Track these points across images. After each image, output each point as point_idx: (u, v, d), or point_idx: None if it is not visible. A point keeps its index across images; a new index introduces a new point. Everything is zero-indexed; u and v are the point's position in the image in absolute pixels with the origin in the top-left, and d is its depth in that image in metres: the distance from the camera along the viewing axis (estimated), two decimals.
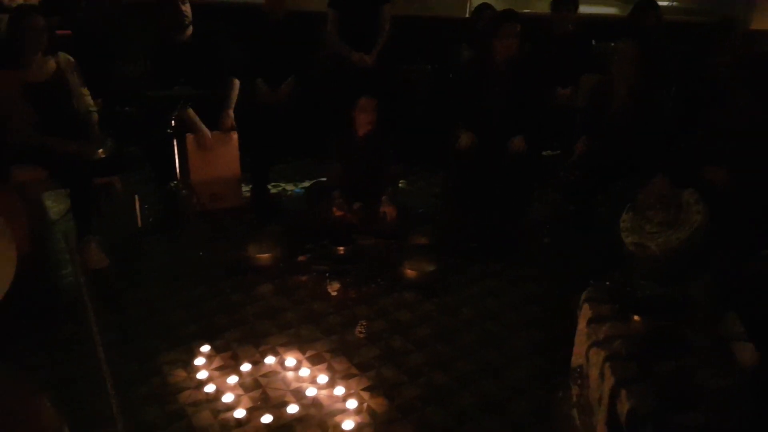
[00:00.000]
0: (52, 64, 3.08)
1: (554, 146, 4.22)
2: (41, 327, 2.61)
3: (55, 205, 3.45)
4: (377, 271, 3.07)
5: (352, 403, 2.21)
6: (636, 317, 1.88)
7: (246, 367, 2.39)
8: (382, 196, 3.34)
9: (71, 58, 3.15)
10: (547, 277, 3.09)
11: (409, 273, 3.02)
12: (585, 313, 2.09)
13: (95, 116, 3.19)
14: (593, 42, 4.22)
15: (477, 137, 3.35)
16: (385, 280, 3.01)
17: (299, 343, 2.55)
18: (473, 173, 3.41)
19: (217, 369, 2.40)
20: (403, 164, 3.92)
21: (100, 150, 3.01)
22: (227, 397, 2.23)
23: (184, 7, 3.38)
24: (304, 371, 2.38)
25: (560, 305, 2.71)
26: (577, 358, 2.14)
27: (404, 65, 4.52)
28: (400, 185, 4.00)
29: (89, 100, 3.19)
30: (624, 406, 1.66)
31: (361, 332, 2.63)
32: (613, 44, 3.35)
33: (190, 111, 3.35)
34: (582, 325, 2.10)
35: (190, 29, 3.44)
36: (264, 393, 2.28)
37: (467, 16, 4.56)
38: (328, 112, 3.92)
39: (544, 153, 4.14)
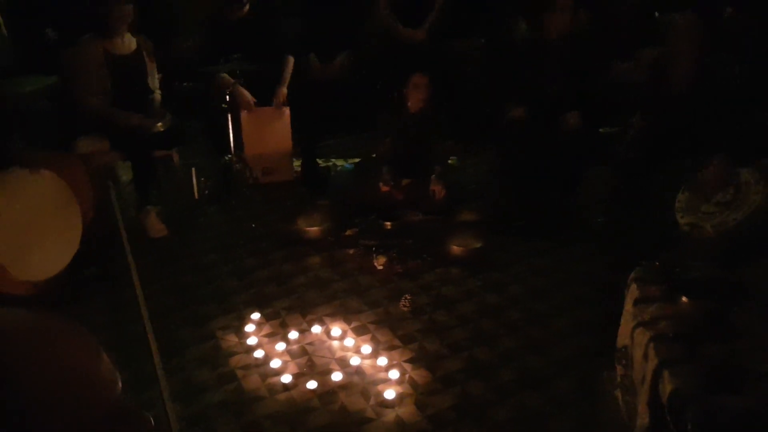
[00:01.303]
0: (134, 41, 3.22)
1: (612, 122, 4.08)
2: (104, 290, 2.77)
3: (119, 175, 3.63)
4: (423, 247, 3.09)
5: (394, 374, 2.26)
6: (684, 299, 1.83)
7: (293, 334, 2.48)
8: (432, 175, 3.35)
9: (149, 42, 3.29)
10: (598, 256, 3.03)
11: (456, 249, 3.03)
12: (632, 293, 2.05)
13: (158, 94, 3.32)
14: (656, 14, 4.02)
15: (529, 113, 3.29)
16: (431, 256, 3.03)
17: (345, 314, 2.62)
18: (525, 150, 3.35)
19: (267, 336, 2.50)
20: (455, 140, 3.91)
21: (160, 124, 3.13)
22: (275, 363, 2.32)
23: None
24: (349, 341, 2.45)
25: (609, 285, 2.65)
26: (622, 339, 2.10)
27: (458, 40, 4.45)
28: (450, 162, 3.99)
29: (157, 83, 3.32)
30: (666, 387, 1.63)
31: (405, 306, 2.66)
32: (674, 16, 3.19)
33: (238, 86, 3.42)
34: (629, 305, 2.06)
35: (248, 6, 3.50)
36: (310, 360, 2.36)
37: None
38: (379, 87, 3.93)
39: (601, 130, 4.02)
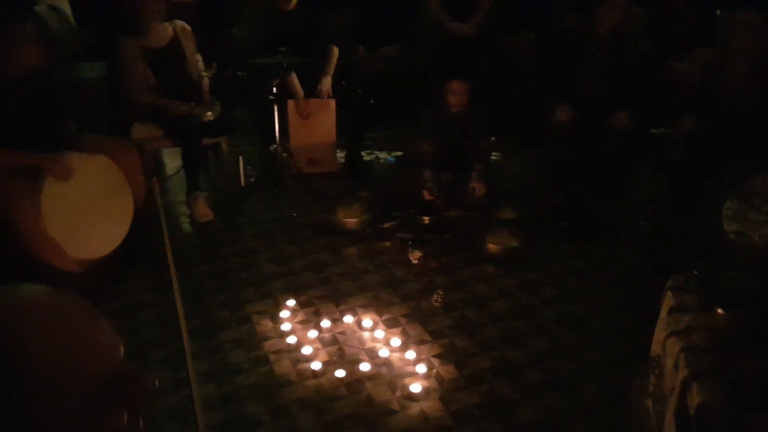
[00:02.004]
0: (169, 31, 3.32)
1: (663, 123, 3.95)
2: (151, 270, 2.90)
3: (170, 161, 3.78)
4: (460, 243, 3.09)
5: (421, 368, 2.29)
6: (720, 310, 1.78)
7: (326, 323, 2.54)
8: (473, 172, 3.33)
9: (187, 26, 3.39)
10: (638, 261, 2.96)
11: (492, 247, 3.01)
12: (668, 301, 1.99)
13: (206, 80, 3.43)
14: (717, 12, 3.86)
15: (576, 111, 3.23)
16: (467, 252, 3.03)
17: (377, 306, 2.66)
18: (570, 149, 3.30)
19: (300, 322, 2.57)
20: (500, 137, 3.88)
21: (209, 113, 3.24)
22: (306, 349, 2.39)
23: None
24: (379, 333, 2.48)
25: (647, 291, 2.59)
26: (655, 347, 2.05)
27: (508, 34, 4.40)
28: (494, 158, 3.96)
29: (201, 65, 3.43)
30: (694, 399, 1.59)
31: (437, 301, 2.68)
32: (735, 14, 3.06)
33: (294, 76, 3.50)
34: (663, 313, 2.01)
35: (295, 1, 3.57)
36: (340, 349, 2.41)
37: None
38: (426, 81, 3.93)
39: (652, 130, 3.90)
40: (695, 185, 3.03)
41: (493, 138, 3.86)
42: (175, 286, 1.71)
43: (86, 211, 2.69)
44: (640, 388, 2.15)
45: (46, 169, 2.50)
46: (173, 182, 3.69)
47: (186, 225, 3.36)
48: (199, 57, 3.43)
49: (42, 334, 0.61)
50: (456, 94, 3.28)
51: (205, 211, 3.35)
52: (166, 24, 3.29)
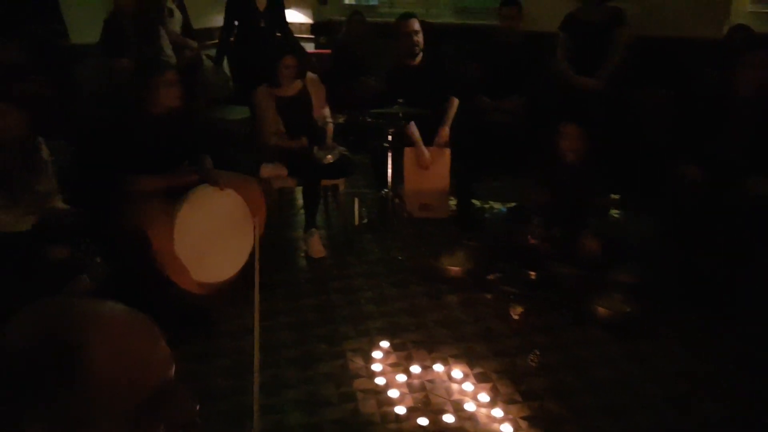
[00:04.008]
0: (299, 83, 3.65)
1: None
2: (264, 297, 3.09)
3: (293, 199, 4.06)
4: (566, 302, 2.97)
5: (507, 428, 2.21)
6: None
7: (416, 369, 2.55)
8: (586, 227, 3.21)
9: (316, 77, 3.69)
10: (764, 343, 2.64)
11: (601, 310, 2.86)
12: None
13: (330, 127, 3.69)
14: None
15: (708, 173, 3.01)
16: (573, 313, 2.90)
17: (469, 358, 2.62)
18: (698, 211, 3.07)
19: (391, 365, 2.60)
20: (622, 193, 3.70)
21: (329, 156, 3.46)
22: (393, 393, 2.41)
23: (416, 38, 3.72)
24: (468, 386, 2.44)
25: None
26: None
27: (639, 89, 4.23)
28: (613, 214, 3.78)
29: (327, 112, 3.70)
30: None
31: (533, 360, 2.58)
32: None
33: (412, 125, 3.65)
34: None
35: (421, 56, 3.75)
36: (426, 397, 2.41)
37: (722, 37, 4.07)
38: (547, 133, 3.88)
39: None
40: None
41: (613, 194, 3.70)
42: (257, 334, 1.81)
43: (212, 239, 2.97)
44: None
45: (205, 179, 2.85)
46: (293, 218, 3.95)
47: (301, 259, 3.57)
48: (326, 105, 3.69)
49: (107, 343, 0.71)
50: (569, 138, 3.20)
51: (318, 248, 3.54)
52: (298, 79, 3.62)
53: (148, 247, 2.70)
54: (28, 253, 2.46)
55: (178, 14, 4.32)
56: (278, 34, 4.61)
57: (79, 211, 2.75)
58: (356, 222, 3.86)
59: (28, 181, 2.62)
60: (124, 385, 0.71)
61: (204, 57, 4.74)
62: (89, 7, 4.16)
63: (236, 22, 4.58)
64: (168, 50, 3.98)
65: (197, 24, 4.72)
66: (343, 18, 5.54)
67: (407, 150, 3.75)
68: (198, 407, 0.79)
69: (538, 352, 2.61)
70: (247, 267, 3.20)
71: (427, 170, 3.79)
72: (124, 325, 0.75)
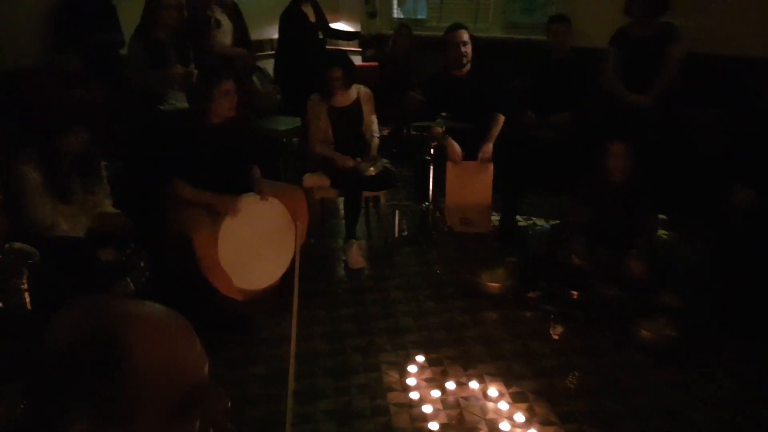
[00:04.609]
0: (353, 94, 3.69)
1: None
2: (303, 305, 3.12)
3: (334, 209, 4.10)
4: (608, 324, 2.88)
5: None
6: None
7: (451, 385, 2.52)
8: (632, 248, 3.12)
9: (369, 91, 3.73)
10: None
11: (645, 334, 2.77)
12: None
13: (376, 141, 3.71)
14: None
15: (762, 195, 2.89)
16: (615, 336, 2.82)
17: (506, 377, 2.58)
18: (750, 235, 2.94)
19: (426, 380, 2.58)
20: (672, 214, 3.59)
21: (372, 168, 3.48)
22: (426, 408, 2.39)
23: (465, 49, 3.71)
24: (504, 405, 2.40)
25: None
26: None
27: (692, 107, 4.10)
28: (662, 235, 3.67)
29: (375, 126, 3.73)
30: None
31: (572, 382, 2.52)
32: None
33: (451, 140, 3.64)
34: None
35: (468, 67, 3.73)
36: (461, 414, 2.38)
37: None
38: (594, 150, 3.80)
39: None
40: None
41: (662, 215, 3.59)
42: (293, 344, 1.83)
43: (254, 247, 3.03)
44: None
45: (218, 209, 2.88)
46: (334, 228, 3.98)
47: (339, 269, 3.59)
48: (374, 119, 3.72)
49: (147, 341, 0.75)
50: (616, 157, 3.12)
51: (357, 259, 3.56)
52: (351, 89, 3.65)
53: (193, 253, 2.77)
54: (82, 256, 2.56)
55: (227, 24, 4.39)
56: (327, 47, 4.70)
57: (127, 215, 2.85)
58: (396, 234, 3.86)
59: (85, 188, 2.73)
60: (163, 381, 0.74)
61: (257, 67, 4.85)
62: None
63: (289, 34, 4.69)
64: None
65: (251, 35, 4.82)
66: (391, 31, 5.59)
67: (449, 164, 3.74)
68: (230, 404, 0.82)
69: (577, 374, 2.54)
70: (288, 275, 3.25)
71: (467, 184, 3.76)
72: (163, 324, 0.78)
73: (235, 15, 4.48)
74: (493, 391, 2.48)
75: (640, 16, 3.86)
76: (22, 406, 1.38)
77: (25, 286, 1.94)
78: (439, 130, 3.60)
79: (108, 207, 2.83)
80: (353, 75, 3.62)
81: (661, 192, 3.31)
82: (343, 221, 3.68)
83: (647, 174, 3.19)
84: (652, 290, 3.04)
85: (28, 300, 1.96)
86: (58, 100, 3.50)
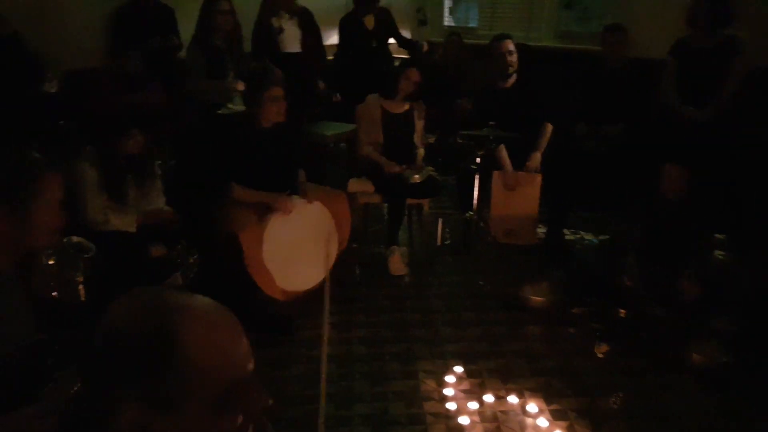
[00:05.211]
0: (408, 103, 3.71)
1: None
2: (344, 309, 3.15)
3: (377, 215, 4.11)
4: (657, 345, 2.78)
5: None
6: None
7: (489, 398, 2.48)
8: (686, 268, 3.00)
9: (423, 105, 3.73)
10: None
11: (696, 357, 2.66)
12: None
13: (422, 151, 3.71)
14: None
15: None
16: (663, 358, 2.72)
17: (547, 393, 2.52)
18: None
19: (464, 391, 2.55)
20: (732, 234, 3.44)
21: (417, 176, 3.47)
22: (463, 419, 2.36)
23: (510, 59, 3.67)
24: (543, 422, 2.35)
25: None
26: None
27: (755, 124, 3.93)
28: (719, 256, 3.51)
29: (422, 139, 3.72)
30: None
31: (616, 403, 2.44)
32: None
33: (502, 149, 3.59)
34: None
35: (514, 77, 3.69)
36: (498, 428, 2.33)
37: None
38: (648, 166, 3.69)
39: None
40: None
41: (719, 234, 3.44)
42: (324, 346, 1.83)
43: (297, 249, 3.07)
44: None
45: (275, 206, 2.94)
46: (377, 234, 3.99)
47: (380, 275, 3.59)
48: (422, 127, 3.72)
49: (199, 333, 0.77)
50: (670, 179, 3.02)
51: (399, 265, 3.55)
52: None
53: (240, 251, 2.82)
54: (133, 251, 2.65)
55: (294, 31, 4.43)
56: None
57: (179, 213, 2.93)
58: (438, 243, 3.84)
59: (139, 187, 2.83)
60: (211, 374, 0.76)
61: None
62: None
63: (343, 40, 4.74)
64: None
65: None
66: (440, 39, 5.58)
67: (496, 173, 3.69)
68: (271, 402, 0.83)
69: (621, 395, 2.46)
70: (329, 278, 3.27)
71: (513, 194, 3.70)
72: (215, 319, 0.80)
73: (306, 21, 4.49)
74: (532, 406, 2.42)
75: (703, 26, 3.72)
76: (74, 389, 1.43)
77: (81, 279, 2.02)
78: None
79: (161, 205, 2.92)
80: (422, 89, 3.62)
81: (719, 211, 3.18)
82: (386, 227, 3.68)
83: (704, 193, 3.08)
84: (706, 313, 2.92)
85: (82, 292, 2.04)
86: (117, 102, 3.65)
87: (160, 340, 0.74)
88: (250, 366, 0.81)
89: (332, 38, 5.07)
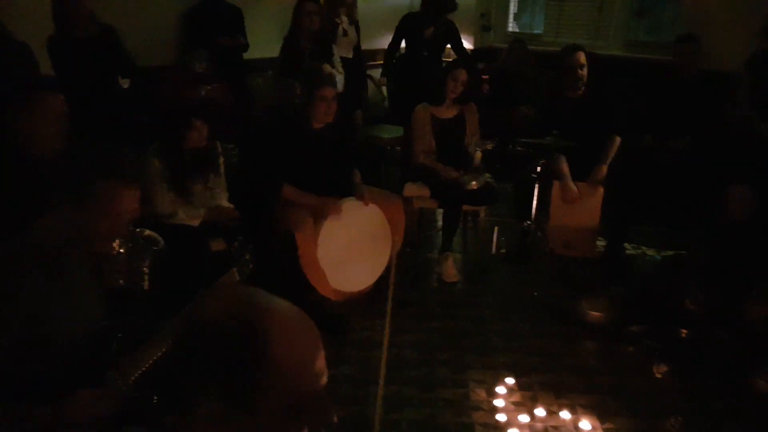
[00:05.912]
0: (458, 107, 3.68)
1: None
2: (392, 313, 3.15)
3: (433, 220, 4.10)
4: (720, 369, 2.65)
5: None
6: None
7: (540, 412, 2.43)
8: (753, 290, 2.85)
9: (474, 106, 3.70)
10: None
11: (762, 384, 2.53)
12: None
13: (479, 154, 3.66)
14: None
15: None
16: (727, 383, 2.59)
17: (601, 411, 2.44)
18: None
19: (514, 403, 2.50)
20: None
21: (474, 182, 3.43)
22: None
23: (581, 72, 3.55)
24: None
25: None
26: None
27: None
28: None
29: (478, 139, 3.68)
30: None
31: (674, 426, 2.34)
32: None
33: (562, 159, 3.51)
34: None
35: (583, 89, 3.60)
36: None
37: None
38: (716, 184, 3.54)
39: None
40: None
41: None
42: (385, 350, 1.83)
43: (351, 251, 3.10)
44: None
45: (323, 211, 2.97)
46: (431, 239, 3.97)
47: (433, 281, 3.57)
48: (477, 132, 3.68)
49: (284, 338, 0.77)
50: (738, 202, 2.87)
51: (452, 272, 3.52)
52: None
53: (295, 250, 2.87)
54: (194, 244, 2.73)
55: (352, 35, 4.50)
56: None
57: (239, 210, 3.00)
58: (493, 251, 3.79)
59: (204, 182, 2.92)
60: (290, 381, 0.76)
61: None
62: (270, 23, 4.56)
63: (403, 46, 4.75)
64: (339, 68, 4.18)
65: (363, 45, 4.95)
66: (504, 45, 5.52)
67: (556, 183, 3.61)
68: (336, 420, 0.82)
69: (680, 419, 2.36)
70: (381, 281, 3.29)
71: (573, 205, 3.61)
72: (301, 327, 0.81)
73: (357, 26, 4.58)
74: (585, 424, 2.36)
75: None
76: (133, 378, 1.48)
77: (147, 270, 2.09)
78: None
79: (224, 201, 3.00)
80: (474, 88, 3.59)
81: None
82: (440, 233, 3.66)
83: None
84: None
85: (146, 282, 2.11)
86: (184, 98, 3.77)
87: (249, 339, 0.75)
88: (324, 380, 0.81)
89: (378, 43, 5.12)
